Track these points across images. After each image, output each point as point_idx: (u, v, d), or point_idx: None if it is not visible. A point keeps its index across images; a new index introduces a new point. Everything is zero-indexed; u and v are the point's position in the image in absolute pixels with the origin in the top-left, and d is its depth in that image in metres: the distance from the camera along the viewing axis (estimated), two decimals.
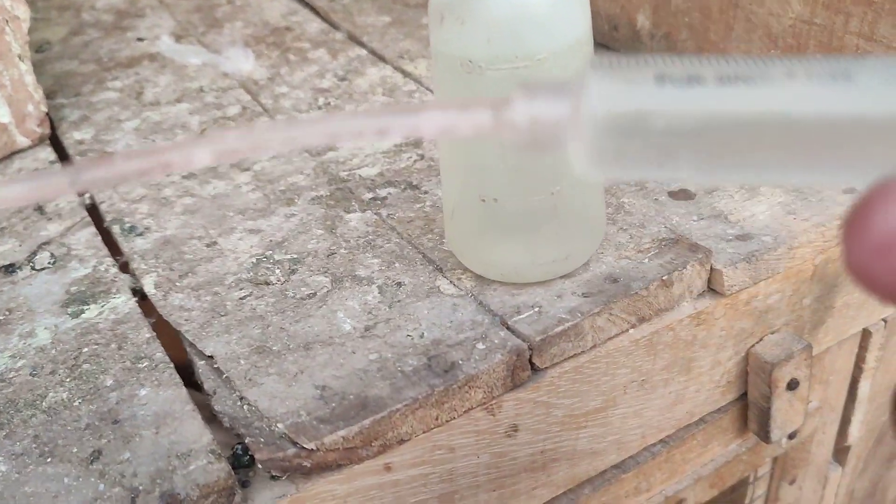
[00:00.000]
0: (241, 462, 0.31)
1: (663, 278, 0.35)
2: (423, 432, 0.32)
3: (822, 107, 0.15)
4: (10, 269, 0.42)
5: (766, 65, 0.16)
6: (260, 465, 0.30)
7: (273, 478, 0.30)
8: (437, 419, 0.32)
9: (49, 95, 0.57)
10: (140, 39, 0.66)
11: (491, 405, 0.33)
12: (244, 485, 0.30)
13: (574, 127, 0.16)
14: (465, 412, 0.32)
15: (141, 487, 0.29)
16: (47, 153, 0.52)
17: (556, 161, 0.33)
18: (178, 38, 0.65)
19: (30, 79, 0.51)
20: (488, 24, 0.31)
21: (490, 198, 0.33)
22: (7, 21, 0.49)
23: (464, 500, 0.35)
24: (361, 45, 0.62)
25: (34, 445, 0.31)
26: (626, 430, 0.38)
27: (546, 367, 0.34)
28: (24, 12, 0.50)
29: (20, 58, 0.50)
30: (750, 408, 0.42)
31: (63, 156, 0.52)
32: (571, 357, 0.34)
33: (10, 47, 0.50)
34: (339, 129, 0.17)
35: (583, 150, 0.16)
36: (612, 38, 0.56)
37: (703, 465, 0.44)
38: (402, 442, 0.31)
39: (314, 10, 0.69)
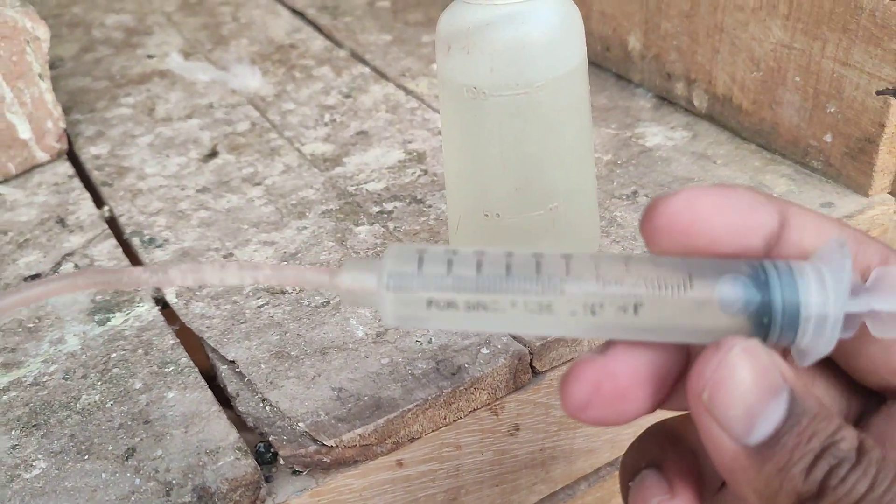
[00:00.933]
0: (264, 459, 0.33)
1: None
2: (433, 431, 0.34)
3: (530, 330, 0.22)
4: (36, 279, 0.44)
5: (501, 292, 0.22)
6: (283, 461, 0.32)
7: (294, 473, 0.33)
8: (445, 418, 0.34)
9: (64, 111, 0.59)
10: (150, 56, 0.68)
11: (495, 406, 0.36)
12: (268, 479, 0.33)
13: (378, 298, 0.22)
14: (470, 412, 0.35)
15: (174, 481, 0.31)
16: (65, 168, 0.54)
17: (554, 179, 0.36)
18: (187, 55, 0.68)
19: (49, 96, 0.53)
20: (491, 54, 0.33)
21: (493, 213, 0.36)
22: (28, 41, 0.52)
23: (469, 495, 0.37)
24: (364, 62, 0.65)
25: (71, 444, 0.33)
26: (619, 429, 0.41)
27: (545, 370, 0.37)
28: (44, 33, 0.52)
29: (40, 76, 0.53)
30: None
31: (80, 170, 0.54)
32: (569, 361, 0.37)
33: (31, 66, 0.52)
34: (231, 277, 0.23)
35: (385, 315, 0.22)
36: (604, 58, 0.58)
37: None
38: (413, 440, 0.34)
39: (317, 28, 0.72)
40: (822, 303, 0.21)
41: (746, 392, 0.20)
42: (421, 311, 0.22)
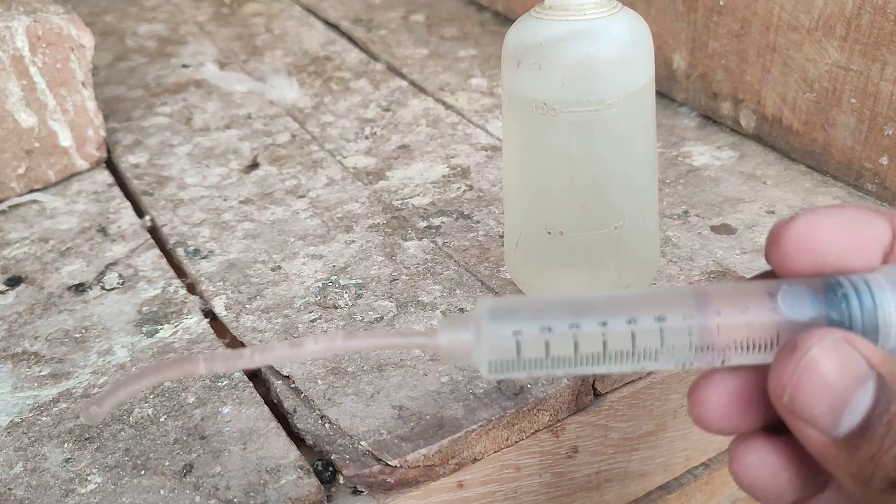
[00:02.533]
0: (323, 478, 0.32)
1: None
2: (494, 452, 0.34)
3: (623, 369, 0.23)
4: (81, 288, 0.43)
5: (598, 365, 0.23)
6: (344, 481, 0.32)
7: (355, 493, 0.32)
8: (507, 439, 0.34)
9: None
10: (185, 66, 0.68)
11: (556, 427, 0.35)
12: (328, 499, 0.32)
13: (475, 355, 0.23)
14: (532, 433, 0.34)
15: (235, 500, 0.30)
16: (104, 176, 0.54)
17: (621, 198, 0.35)
18: (222, 65, 0.68)
19: (91, 104, 0.53)
20: (563, 70, 0.33)
21: (556, 230, 0.36)
22: (73, 49, 0.51)
23: None
24: (402, 76, 0.64)
25: (126, 458, 0.33)
26: (672, 452, 0.40)
27: (606, 392, 0.36)
28: (88, 41, 0.52)
29: (83, 84, 0.52)
30: None
31: (119, 179, 0.54)
32: (629, 383, 0.36)
33: (74, 74, 0.52)
34: (344, 346, 0.24)
35: (483, 368, 0.23)
36: None
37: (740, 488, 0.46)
38: (475, 460, 0.33)
39: (352, 41, 0.71)
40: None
41: (828, 387, 0.21)
42: (518, 374, 0.23)
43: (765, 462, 0.23)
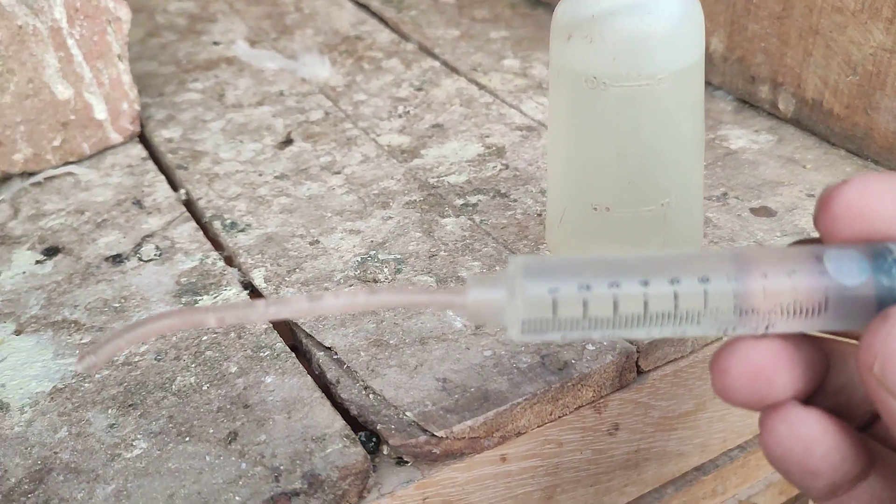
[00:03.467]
0: (367, 448, 0.32)
1: None
2: (538, 426, 0.34)
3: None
4: (118, 259, 0.44)
5: (638, 327, 0.22)
6: (388, 451, 0.32)
7: (399, 463, 0.32)
8: (550, 414, 0.34)
9: None
10: (216, 43, 0.68)
11: (598, 404, 0.35)
12: (373, 469, 0.32)
13: (507, 313, 0.22)
14: (575, 409, 0.34)
15: (282, 467, 0.30)
16: (138, 150, 0.54)
17: (668, 175, 0.35)
18: (252, 43, 0.68)
19: (126, 78, 0.53)
20: (615, 43, 0.33)
21: (602, 206, 0.35)
22: (110, 22, 0.51)
23: (564, 494, 0.36)
24: (433, 56, 0.64)
25: (170, 425, 0.33)
26: (710, 433, 0.40)
27: (649, 370, 0.36)
28: (125, 14, 0.52)
29: (119, 58, 0.52)
30: None
31: (153, 153, 0.54)
32: (672, 361, 0.36)
33: (110, 47, 0.52)
34: (347, 304, 0.23)
35: (515, 327, 0.22)
36: None
37: (774, 471, 0.45)
38: (518, 434, 0.33)
39: (383, 21, 0.71)
40: None
41: None
42: (552, 335, 0.22)
43: (798, 433, 0.22)
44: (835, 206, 0.22)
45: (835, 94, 0.48)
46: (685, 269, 0.22)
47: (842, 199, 0.22)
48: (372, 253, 0.42)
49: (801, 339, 0.23)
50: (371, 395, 0.33)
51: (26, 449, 0.32)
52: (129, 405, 0.34)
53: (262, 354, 0.36)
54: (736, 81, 0.54)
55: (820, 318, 0.22)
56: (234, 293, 0.40)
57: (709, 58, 0.55)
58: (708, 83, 0.57)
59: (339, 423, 0.32)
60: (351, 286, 0.40)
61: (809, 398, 0.24)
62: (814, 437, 0.22)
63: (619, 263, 0.22)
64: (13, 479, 0.31)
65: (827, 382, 0.24)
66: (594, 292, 0.21)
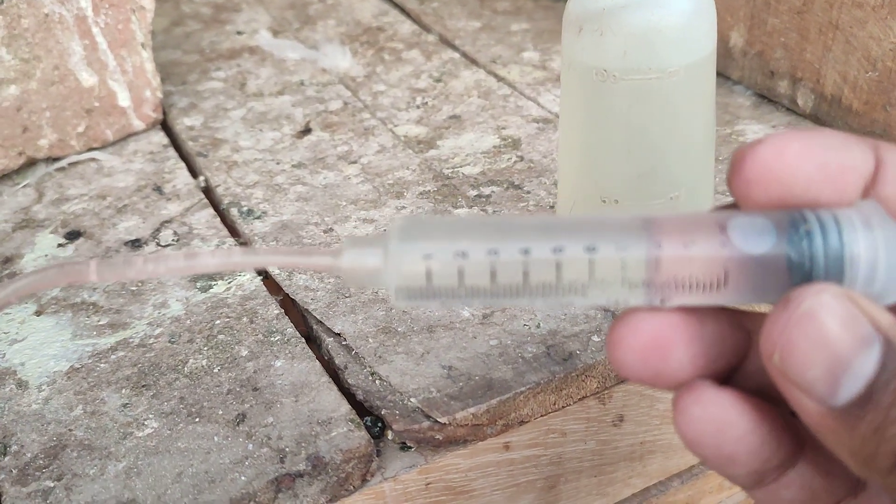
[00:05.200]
0: (372, 433, 0.33)
1: None
2: (541, 416, 0.34)
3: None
4: (137, 243, 0.44)
5: (517, 297, 0.21)
6: (392, 437, 0.32)
7: (403, 448, 0.33)
8: (554, 404, 0.34)
9: None
10: (239, 33, 0.69)
11: (603, 395, 0.35)
12: (377, 454, 0.32)
13: (383, 277, 0.21)
14: (579, 399, 0.35)
15: (287, 449, 0.31)
16: (160, 137, 0.55)
17: (678, 168, 0.35)
18: (275, 32, 0.68)
19: (150, 66, 0.54)
20: (625, 37, 0.33)
21: (611, 199, 0.36)
22: (133, 10, 0.52)
23: (567, 484, 0.37)
24: (454, 48, 0.64)
25: (181, 406, 0.34)
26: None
27: None
28: (149, 2, 0.53)
29: (143, 46, 0.53)
30: None
31: (174, 140, 0.55)
32: None
33: (134, 35, 0.53)
34: (221, 263, 0.22)
35: (391, 293, 0.21)
36: None
37: None
38: (522, 423, 0.34)
39: (404, 12, 0.71)
40: (870, 243, 0.19)
41: (826, 346, 0.18)
42: (429, 303, 0.21)
43: (710, 415, 0.20)
44: (748, 168, 0.20)
45: (854, 89, 0.47)
46: (574, 235, 0.20)
47: (756, 161, 0.20)
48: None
49: (711, 313, 0.21)
50: (377, 381, 0.34)
51: (42, 425, 0.33)
52: (143, 385, 0.35)
53: (272, 339, 0.37)
54: (755, 76, 0.54)
55: (720, 292, 0.20)
56: (249, 279, 0.41)
57: (728, 52, 0.55)
58: (727, 77, 0.56)
59: (345, 407, 0.33)
60: None
61: (730, 378, 0.22)
62: (727, 419, 0.20)
63: (501, 227, 0.21)
64: (29, 455, 0.32)
65: (749, 361, 0.22)
66: (471, 259, 0.20)
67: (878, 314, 0.18)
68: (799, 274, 0.19)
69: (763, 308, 0.20)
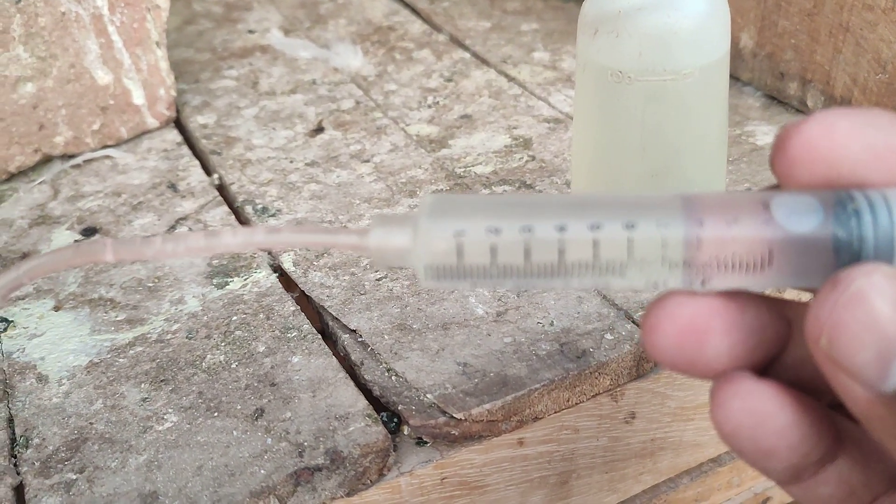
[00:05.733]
0: (388, 428, 0.33)
1: None
2: (555, 412, 0.34)
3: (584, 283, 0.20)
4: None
5: (552, 278, 0.20)
6: (409, 432, 0.33)
7: (419, 443, 0.33)
8: (568, 401, 0.34)
9: None
10: (251, 31, 0.69)
11: (615, 392, 0.35)
12: (394, 449, 0.33)
13: (412, 256, 0.20)
14: (592, 396, 0.35)
15: (306, 443, 0.32)
16: (174, 135, 0.55)
17: (691, 168, 0.35)
18: (287, 31, 0.69)
19: (164, 64, 0.54)
20: (641, 38, 0.33)
21: None
22: (149, 9, 0.53)
23: (579, 479, 0.37)
24: (464, 48, 0.65)
25: (200, 401, 0.34)
26: None
27: None
28: (164, 2, 0.53)
29: (157, 44, 0.54)
30: None
31: (187, 138, 0.55)
32: None
33: (149, 34, 0.53)
34: (265, 240, 0.21)
35: (420, 272, 0.20)
36: None
37: None
38: (536, 419, 0.34)
39: (415, 12, 0.72)
40: None
41: (876, 328, 0.17)
42: (460, 282, 0.20)
43: (749, 407, 0.20)
44: (793, 146, 0.19)
45: (864, 92, 0.48)
46: (613, 212, 0.19)
47: (801, 139, 0.19)
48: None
49: (751, 300, 0.20)
50: (394, 377, 0.34)
51: (63, 419, 0.34)
52: (162, 380, 0.35)
53: (289, 335, 0.37)
54: (765, 77, 0.54)
55: (764, 273, 0.19)
56: (264, 276, 0.41)
57: (738, 53, 0.56)
58: (737, 79, 0.57)
59: (363, 402, 0.33)
60: (376, 272, 0.41)
61: (768, 370, 0.21)
62: (766, 411, 0.19)
63: (535, 204, 0.20)
64: (51, 447, 0.32)
65: (788, 353, 0.21)
66: (504, 236, 0.19)
67: None
68: (847, 254, 0.18)
69: (805, 297, 0.20)
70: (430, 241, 0.20)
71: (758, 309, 0.20)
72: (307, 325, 0.38)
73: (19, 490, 0.31)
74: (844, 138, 0.18)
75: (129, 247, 0.21)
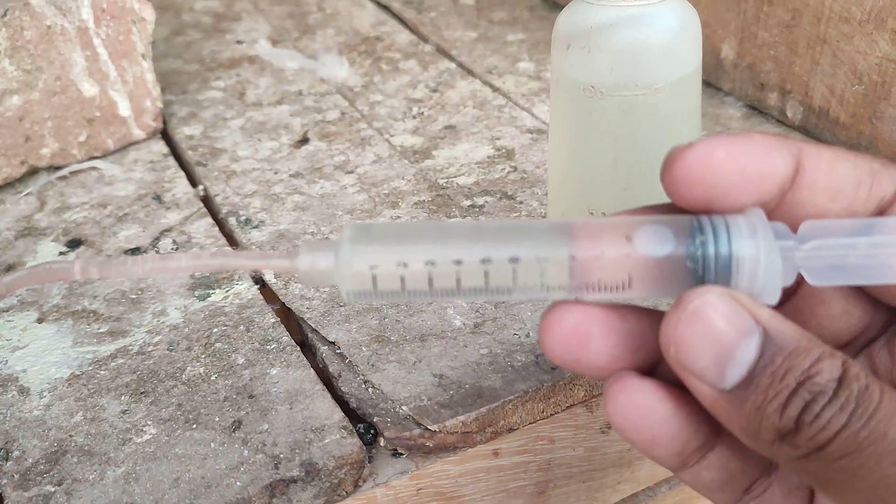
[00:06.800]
0: (364, 440, 0.34)
1: None
2: (530, 423, 0.35)
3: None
4: (137, 252, 0.45)
5: (454, 297, 0.24)
6: (384, 443, 0.33)
7: (394, 455, 0.33)
8: (542, 412, 0.35)
9: None
10: (239, 42, 0.70)
11: (590, 403, 0.36)
12: (369, 460, 0.33)
13: (335, 280, 0.24)
14: (567, 407, 0.35)
15: (282, 455, 0.32)
16: (160, 146, 0.56)
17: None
18: (275, 42, 0.69)
19: (150, 76, 0.55)
20: (612, 54, 0.34)
21: (598, 211, 0.36)
22: (134, 22, 0.53)
23: (556, 489, 0.38)
24: (450, 58, 0.65)
25: (179, 413, 0.34)
26: None
27: None
28: (150, 14, 0.54)
29: (143, 56, 0.54)
30: None
31: (174, 149, 0.56)
32: None
33: (135, 46, 0.54)
34: (190, 265, 0.25)
35: (343, 294, 0.24)
36: None
37: None
38: (510, 430, 0.34)
39: (402, 22, 0.72)
40: (753, 250, 0.22)
41: (712, 339, 0.21)
42: (377, 301, 0.25)
43: (634, 402, 0.23)
44: (676, 168, 0.22)
45: (841, 102, 0.48)
46: (500, 245, 0.23)
47: (683, 164, 0.22)
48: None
49: (632, 310, 0.24)
50: (370, 389, 0.35)
51: (44, 431, 0.34)
52: (142, 392, 0.36)
53: (268, 347, 0.38)
54: (746, 88, 0.55)
55: (625, 293, 0.23)
56: (246, 287, 0.42)
57: (719, 64, 0.56)
58: (718, 89, 0.57)
59: (339, 414, 0.34)
60: None
61: (655, 371, 0.24)
62: (648, 405, 0.23)
63: (440, 235, 0.24)
64: (30, 460, 0.33)
65: None
66: (410, 269, 0.23)
67: (757, 308, 0.21)
68: (693, 277, 0.22)
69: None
70: (350, 269, 0.24)
71: (637, 317, 0.24)
72: (286, 338, 0.38)
73: None
74: (719, 165, 0.22)
75: (97, 267, 0.25)
